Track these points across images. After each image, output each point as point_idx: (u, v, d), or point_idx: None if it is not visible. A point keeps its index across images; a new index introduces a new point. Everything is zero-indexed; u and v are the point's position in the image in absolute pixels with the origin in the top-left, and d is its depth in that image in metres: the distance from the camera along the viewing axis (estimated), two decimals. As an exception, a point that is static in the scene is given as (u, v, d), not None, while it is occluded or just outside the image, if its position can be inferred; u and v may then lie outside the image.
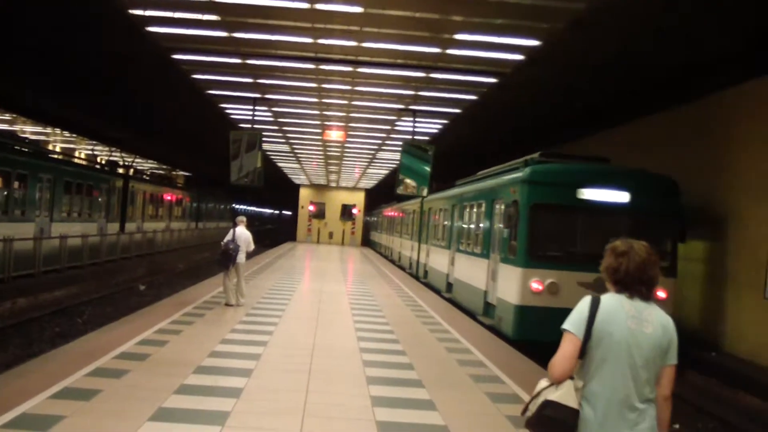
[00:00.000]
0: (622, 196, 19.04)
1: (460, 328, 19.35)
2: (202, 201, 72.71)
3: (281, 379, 12.08)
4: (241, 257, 20.25)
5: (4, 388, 10.23)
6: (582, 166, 20.55)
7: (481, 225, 24.26)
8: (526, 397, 11.79)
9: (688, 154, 23.49)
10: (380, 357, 14.47)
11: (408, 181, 29.01)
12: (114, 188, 44.05)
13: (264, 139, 34.69)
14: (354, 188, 75.48)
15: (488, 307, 21.83)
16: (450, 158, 42.79)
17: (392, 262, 52.24)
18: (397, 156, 31.24)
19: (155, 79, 27.75)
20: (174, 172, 76.70)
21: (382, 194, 67.84)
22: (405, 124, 32.42)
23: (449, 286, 29.26)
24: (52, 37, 22.30)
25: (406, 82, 24.98)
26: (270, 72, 24.95)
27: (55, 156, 43.58)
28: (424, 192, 29.82)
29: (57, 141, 54.05)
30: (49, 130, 47.39)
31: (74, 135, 49.16)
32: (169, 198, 59.59)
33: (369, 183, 70.75)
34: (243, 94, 28.99)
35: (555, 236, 19.19)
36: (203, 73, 25.94)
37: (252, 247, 20.73)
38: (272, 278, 30.04)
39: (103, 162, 58.18)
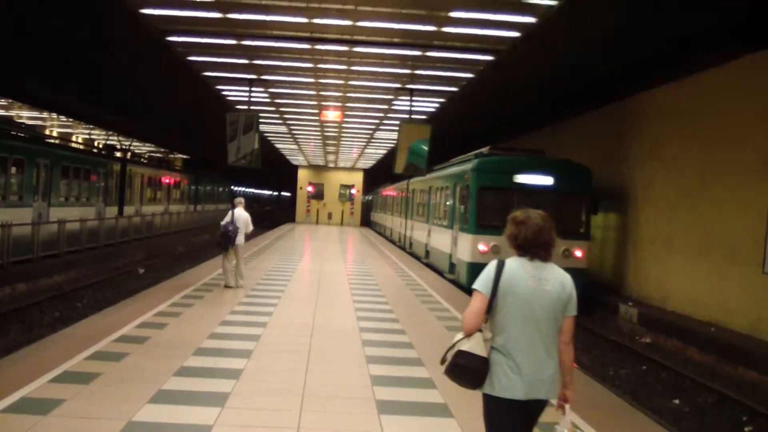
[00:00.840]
0: (548, 180, 25.78)
1: (460, 307, 19.38)
2: (201, 183, 72.62)
3: (281, 359, 12.10)
4: (240, 239, 20.23)
5: (3, 373, 10.26)
6: (518, 157, 27.51)
7: (447, 203, 31.33)
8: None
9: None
10: (379, 336, 14.50)
11: (405, 160, 29.01)
12: (111, 172, 43.91)
13: (261, 120, 34.60)
14: (352, 168, 75.39)
15: (452, 266, 29.00)
16: (449, 136, 42.94)
17: (388, 239, 53.37)
18: (395, 135, 31.20)
19: (150, 62, 27.66)
20: (172, 155, 76.61)
21: (380, 174, 67.86)
22: (402, 103, 32.34)
23: (427, 254, 35.99)
24: (47, 20, 22.21)
25: (402, 60, 24.89)
26: (265, 53, 24.84)
27: (52, 141, 43.49)
28: (422, 171, 29.94)
29: (54, 126, 53.88)
30: (45, 114, 47.24)
31: (71, 120, 49.03)
32: (167, 181, 59.45)
33: (367, 163, 70.67)
34: (239, 75, 28.87)
35: (497, 210, 24.03)
36: (198, 55, 25.82)
37: (251, 228, 20.71)
38: (271, 259, 30.07)
39: (101, 146, 58.10)
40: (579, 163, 26.71)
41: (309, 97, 33.86)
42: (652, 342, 21.64)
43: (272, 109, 37.77)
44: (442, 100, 31.80)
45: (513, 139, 41.70)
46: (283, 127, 46.44)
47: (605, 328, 23.60)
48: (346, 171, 75.71)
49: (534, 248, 5.67)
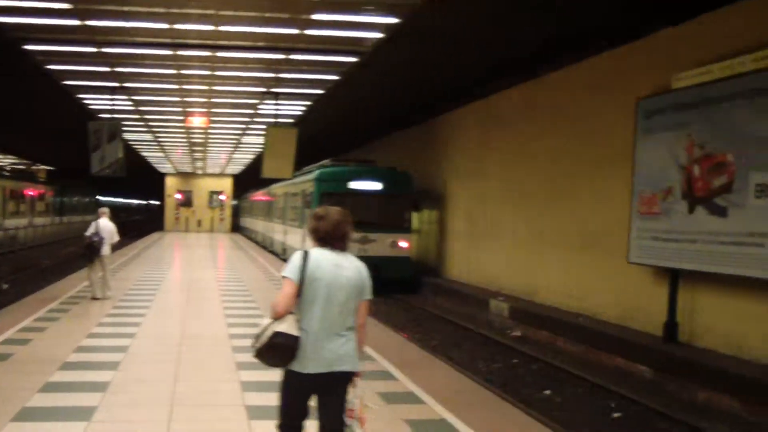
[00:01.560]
0: (376, 185, 31.64)
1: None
2: (66, 195, 71.23)
3: (149, 370, 11.90)
4: (105, 249, 19.86)
5: None
6: (353, 167, 33.30)
7: (298, 206, 36.51)
8: (398, 374, 11.93)
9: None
10: (250, 342, 14.35)
11: (272, 164, 28.97)
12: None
13: (125, 128, 34.16)
14: (221, 174, 74.77)
15: None
16: (319, 139, 43.09)
17: (258, 244, 53.86)
18: (262, 140, 31.10)
19: (8, 70, 26.96)
20: (35, 167, 74.87)
21: (249, 179, 67.53)
22: (268, 107, 32.21)
23: (284, 251, 40.14)
24: None
25: (266, 64, 24.77)
26: (127, 60, 24.45)
27: None
28: (288, 174, 30.08)
29: None
30: None
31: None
32: (30, 193, 58.13)
33: (236, 168, 70.20)
34: (101, 83, 28.35)
35: None
36: (58, 63, 25.25)
37: (116, 238, 20.37)
38: (140, 269, 29.63)
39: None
40: (402, 170, 33.17)
41: (174, 104, 33.47)
42: (523, 335, 21.88)
43: (137, 116, 37.22)
44: (308, 102, 31.78)
45: (383, 138, 42.11)
46: (149, 134, 45.84)
47: (476, 324, 23.80)
48: (214, 177, 75.03)
49: (333, 240, 6.36)
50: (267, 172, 29.39)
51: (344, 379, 6.28)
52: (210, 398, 10.20)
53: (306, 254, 6.27)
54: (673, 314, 16.90)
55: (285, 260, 34.01)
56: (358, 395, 6.34)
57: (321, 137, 44.54)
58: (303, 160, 34.59)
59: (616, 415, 13.86)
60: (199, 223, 73.93)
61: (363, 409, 6.35)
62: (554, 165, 23.10)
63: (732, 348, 15.58)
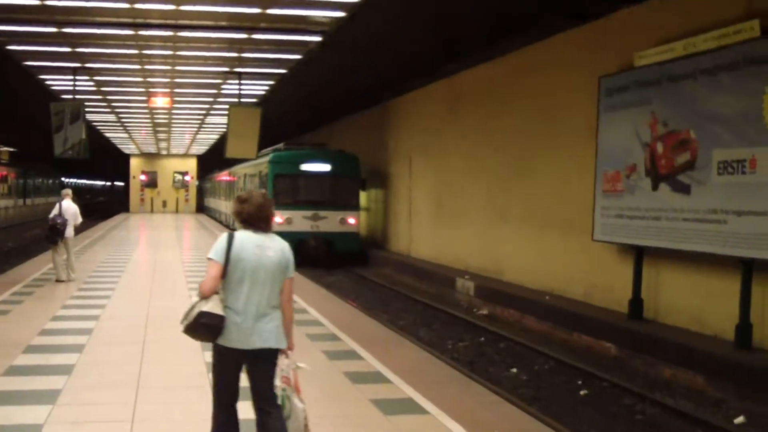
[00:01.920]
0: (326, 167, 34.37)
1: (295, 287, 19.39)
2: (29, 176, 70.65)
3: (115, 352, 11.88)
4: (69, 231, 19.71)
5: None
6: (303, 150, 36.08)
7: (256, 186, 36.89)
8: (363, 352, 11.96)
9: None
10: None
11: (236, 144, 28.85)
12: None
13: (88, 109, 33.87)
14: (186, 155, 74.40)
15: None
16: (285, 119, 43.09)
17: (222, 224, 53.84)
18: (226, 120, 30.98)
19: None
20: (-3, 149, 74.19)
21: (214, 160, 67.28)
22: (231, 87, 32.07)
23: None
24: None
25: (229, 44, 24.62)
26: (88, 40, 24.19)
27: None
28: (253, 154, 30.03)
29: None
30: None
31: None
32: (-7, 176, 57.70)
33: (201, 149, 69.92)
34: (62, 64, 28.04)
35: (288, 191, 33.71)
36: (19, 44, 24.97)
37: (80, 220, 20.25)
38: (105, 251, 29.50)
39: None
40: (350, 152, 35.98)
41: (136, 84, 33.21)
42: (490, 313, 21.95)
43: (99, 97, 36.93)
44: (272, 82, 31.65)
45: (348, 118, 42.18)
46: (112, 115, 45.52)
47: (443, 302, 23.85)
48: (179, 158, 74.66)
49: (256, 221, 6.65)
50: (230, 152, 29.27)
51: (271, 355, 6.59)
52: (176, 380, 10.18)
53: (231, 236, 6.58)
54: (638, 291, 16.99)
55: None
56: (292, 365, 6.68)
57: (287, 117, 44.49)
58: (268, 139, 34.60)
59: (582, 392, 13.94)
60: (165, 203, 73.55)
61: (297, 374, 6.72)
62: (520, 144, 23.10)
63: (696, 324, 15.69)
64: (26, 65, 28.48)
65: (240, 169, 47.39)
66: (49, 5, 19.86)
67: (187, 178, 74.06)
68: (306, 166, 34.07)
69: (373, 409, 9.02)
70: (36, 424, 8.15)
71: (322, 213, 33.39)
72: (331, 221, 33.45)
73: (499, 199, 24.35)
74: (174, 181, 73.65)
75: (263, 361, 6.56)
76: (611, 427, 11.94)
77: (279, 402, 6.58)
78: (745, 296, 13.89)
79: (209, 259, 6.50)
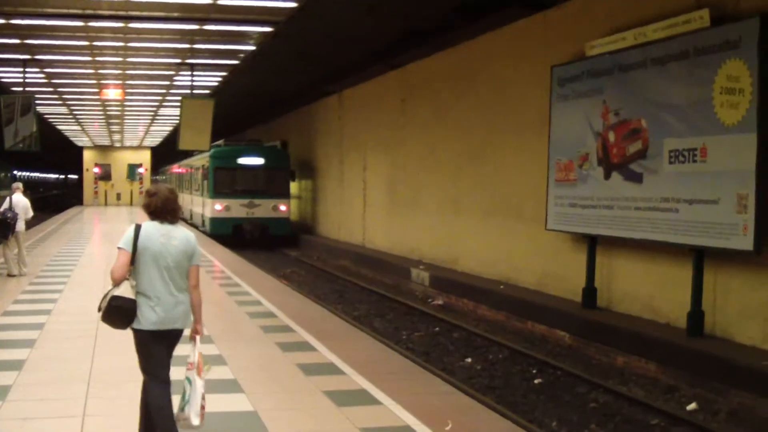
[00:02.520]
0: (259, 161, 38.84)
1: (249, 280, 19.35)
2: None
3: (66, 347, 11.77)
4: (20, 225, 19.53)
5: None
6: (239, 146, 41.02)
7: (201, 178, 42.46)
8: (317, 344, 11.95)
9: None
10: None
11: (189, 135, 28.72)
12: None
13: (39, 102, 33.58)
14: (140, 147, 73.96)
15: (203, 222, 41.02)
16: (239, 109, 42.95)
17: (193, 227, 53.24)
18: (179, 111, 30.81)
19: None
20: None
21: (168, 152, 67.01)
22: (184, 79, 31.90)
23: (191, 216, 47.07)
24: None
25: (181, 35, 24.50)
26: (38, 32, 23.96)
27: None
28: (206, 146, 29.95)
29: None
30: None
31: None
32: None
33: (155, 141, 69.56)
34: (11, 56, 27.80)
35: (227, 182, 38.19)
36: (-34, 36, 24.76)
37: (31, 213, 20.07)
38: (58, 245, 29.25)
39: None
40: (280, 147, 43.45)
41: (87, 76, 32.98)
42: (444, 303, 22.00)
43: (50, 89, 36.60)
44: (224, 73, 31.55)
45: (303, 108, 42.18)
46: (64, 108, 45.16)
47: (399, 293, 23.91)
48: (133, 150, 74.19)
49: (163, 213, 7.12)
50: (183, 144, 29.20)
51: (178, 335, 7.19)
52: (128, 374, 10.02)
53: (138, 227, 7.08)
54: (592, 280, 17.07)
55: (193, 225, 42.20)
56: (198, 351, 7.10)
57: (240, 108, 44.38)
58: (222, 131, 34.49)
59: (537, 381, 13.99)
60: (119, 196, 73.11)
61: (201, 363, 7.08)
62: (473, 133, 23.12)
63: (649, 312, 15.80)
64: (-26, 57, 28.19)
65: (186, 162, 52.53)
66: (-4, -4, 19.66)
67: (141, 170, 73.60)
68: (242, 160, 38.71)
69: (327, 401, 9.00)
70: (-15, 421, 8.05)
71: (256, 201, 37.79)
72: (264, 208, 37.89)
73: (452, 189, 24.37)
74: (128, 174, 73.20)
75: (172, 339, 7.15)
76: (565, 416, 11.97)
77: (187, 385, 7.06)
78: (696, 284, 13.99)
79: (119, 248, 6.99)
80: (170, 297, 6.98)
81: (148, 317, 6.90)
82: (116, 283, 6.91)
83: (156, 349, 7.04)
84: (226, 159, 38.52)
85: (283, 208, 38.35)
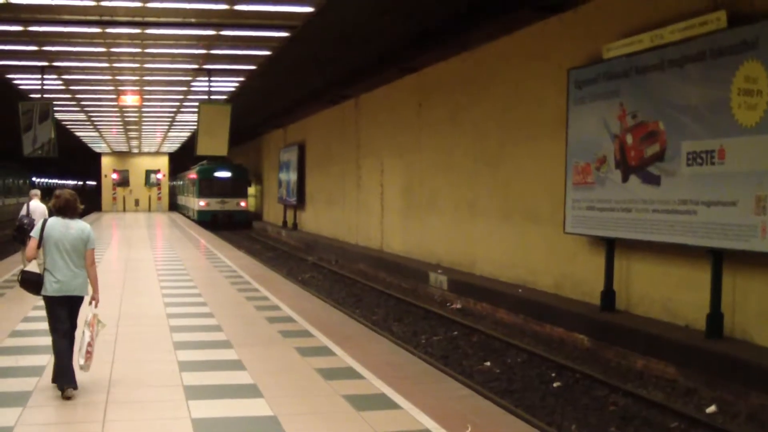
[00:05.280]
0: (228, 174, 57.79)
1: (268, 285, 19.36)
2: (-1, 177, 70.27)
3: (86, 352, 11.78)
4: (38, 231, 19.64)
5: None
6: (215, 164, 56.10)
7: (195, 185, 58.32)
8: (336, 348, 11.95)
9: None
10: (188, 321, 14.34)
11: (207, 141, 28.76)
12: None
13: (57, 108, 33.69)
14: (157, 153, 74.25)
15: (193, 213, 58.57)
16: (254, 114, 42.92)
17: (191, 219, 59.02)
18: (196, 117, 30.87)
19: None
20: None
21: (186, 157, 67.26)
22: (201, 84, 31.98)
23: (188, 210, 64.00)
24: None
25: (197, 41, 24.55)
26: (55, 38, 24.01)
27: None
28: (224, 151, 29.93)
29: None
30: None
31: None
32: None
33: (172, 147, 69.79)
34: (29, 63, 27.88)
35: (208, 189, 56.68)
36: (-17, 43, 24.85)
37: (48, 219, 20.19)
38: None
39: None
40: (241, 164, 62.16)
41: (105, 83, 33.05)
42: (463, 307, 21.96)
43: (68, 96, 36.72)
44: (241, 78, 31.58)
45: (321, 112, 42.09)
46: (82, 114, 45.29)
47: (418, 297, 23.92)
48: (150, 156, 74.54)
49: (65, 210, 9.50)
50: (201, 149, 29.23)
51: (79, 300, 9.54)
52: (147, 379, 10.13)
53: (45, 221, 9.50)
54: (610, 283, 17.03)
55: (188, 217, 56.98)
56: (93, 313, 9.46)
57: (257, 112, 44.39)
58: (240, 135, 34.50)
59: (555, 384, 13.98)
60: (137, 202, 73.43)
61: (94, 321, 9.43)
62: (490, 137, 23.08)
63: (667, 314, 15.75)
64: (-7, 64, 28.30)
65: (183, 174, 72.88)
66: (13, 3, 19.67)
67: (159, 176, 73.85)
68: (217, 174, 57.52)
69: (346, 405, 9.01)
70: (6, 426, 8.10)
71: (226, 200, 56.79)
72: (231, 204, 56.92)
73: (470, 193, 24.34)
74: (146, 180, 73.48)
75: (73, 304, 9.47)
76: (584, 419, 11.96)
77: (82, 336, 9.43)
78: (715, 286, 13.95)
79: (30, 236, 9.48)
80: (69, 272, 9.30)
81: (51, 286, 9.24)
82: (28, 261, 10.43)
83: (58, 311, 9.34)
84: (207, 173, 57.36)
85: (243, 204, 58.31)
